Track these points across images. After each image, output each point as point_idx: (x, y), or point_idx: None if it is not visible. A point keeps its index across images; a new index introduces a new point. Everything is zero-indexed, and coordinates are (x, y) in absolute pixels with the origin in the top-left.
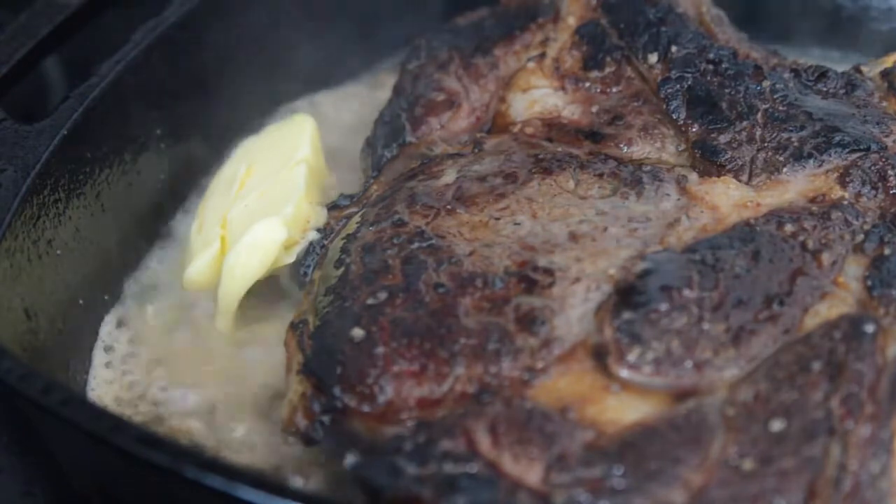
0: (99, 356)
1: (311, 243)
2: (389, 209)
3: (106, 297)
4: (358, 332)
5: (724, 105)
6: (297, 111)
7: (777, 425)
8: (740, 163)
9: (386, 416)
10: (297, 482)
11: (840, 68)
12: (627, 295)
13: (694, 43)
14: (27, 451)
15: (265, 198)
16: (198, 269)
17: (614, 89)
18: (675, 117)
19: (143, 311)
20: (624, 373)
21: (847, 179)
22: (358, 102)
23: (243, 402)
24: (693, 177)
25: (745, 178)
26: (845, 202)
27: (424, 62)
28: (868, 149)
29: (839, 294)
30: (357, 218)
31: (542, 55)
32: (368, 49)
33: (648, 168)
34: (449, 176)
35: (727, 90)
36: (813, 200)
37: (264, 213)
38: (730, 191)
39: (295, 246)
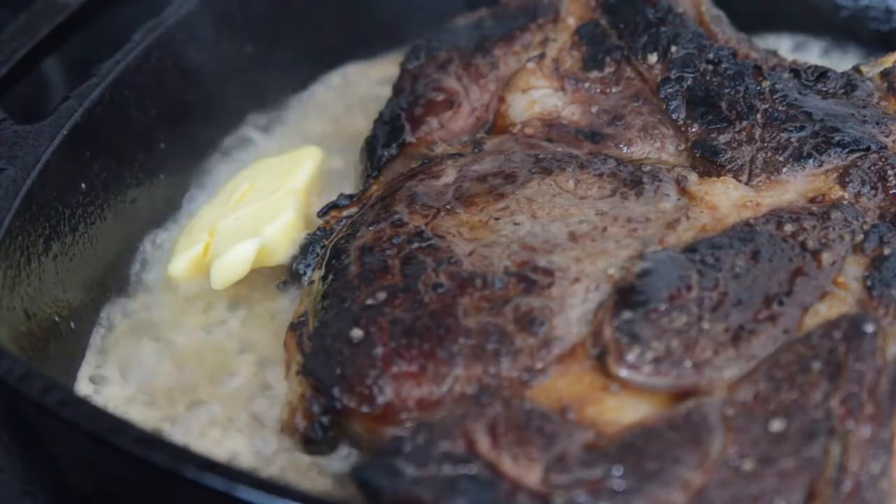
0: (99, 356)
1: (311, 243)
2: (389, 209)
3: (105, 297)
4: (357, 333)
5: (723, 105)
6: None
7: (777, 425)
8: (740, 163)
9: (385, 416)
10: (297, 483)
11: (840, 68)
12: (627, 295)
13: (693, 43)
14: (27, 451)
15: (255, 216)
16: (178, 265)
17: (614, 89)
18: (674, 117)
19: (142, 311)
20: (623, 373)
21: (847, 179)
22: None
23: (242, 402)
24: (693, 177)
25: (744, 178)
26: (845, 202)
27: (424, 62)
28: (868, 149)
29: (839, 294)
30: (356, 218)
31: (542, 55)
32: (369, 47)
33: (648, 168)
34: (449, 176)
35: (727, 90)
36: (813, 200)
37: (250, 229)
38: (729, 191)
39: (284, 251)
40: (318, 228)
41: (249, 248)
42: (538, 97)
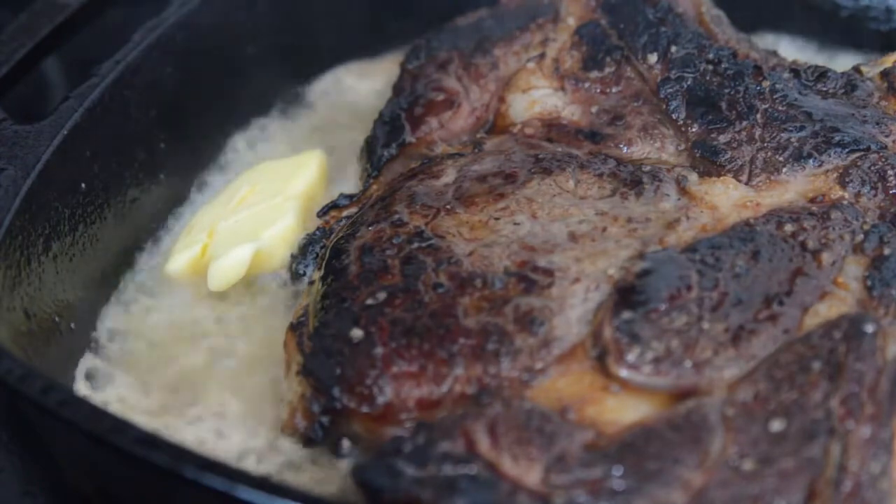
0: (98, 355)
1: (310, 244)
2: (389, 209)
3: (105, 297)
4: (357, 333)
5: (723, 105)
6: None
7: (777, 425)
8: (740, 163)
9: (385, 417)
10: (297, 483)
11: (840, 68)
12: (627, 295)
13: (693, 43)
14: (27, 451)
15: (253, 220)
16: (176, 265)
17: (614, 89)
18: (674, 117)
19: (141, 311)
20: (623, 373)
21: (847, 179)
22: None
23: (242, 402)
24: (693, 177)
25: (744, 178)
26: (845, 202)
27: (424, 62)
28: (868, 149)
29: (839, 294)
30: (356, 218)
31: (542, 55)
32: (369, 47)
33: (648, 168)
34: (449, 176)
35: (727, 90)
36: (813, 200)
37: (249, 232)
38: (729, 191)
39: (282, 255)
40: (318, 228)
41: (246, 252)
42: (538, 97)
